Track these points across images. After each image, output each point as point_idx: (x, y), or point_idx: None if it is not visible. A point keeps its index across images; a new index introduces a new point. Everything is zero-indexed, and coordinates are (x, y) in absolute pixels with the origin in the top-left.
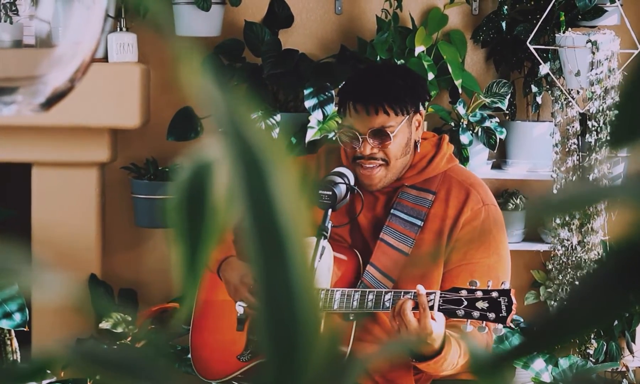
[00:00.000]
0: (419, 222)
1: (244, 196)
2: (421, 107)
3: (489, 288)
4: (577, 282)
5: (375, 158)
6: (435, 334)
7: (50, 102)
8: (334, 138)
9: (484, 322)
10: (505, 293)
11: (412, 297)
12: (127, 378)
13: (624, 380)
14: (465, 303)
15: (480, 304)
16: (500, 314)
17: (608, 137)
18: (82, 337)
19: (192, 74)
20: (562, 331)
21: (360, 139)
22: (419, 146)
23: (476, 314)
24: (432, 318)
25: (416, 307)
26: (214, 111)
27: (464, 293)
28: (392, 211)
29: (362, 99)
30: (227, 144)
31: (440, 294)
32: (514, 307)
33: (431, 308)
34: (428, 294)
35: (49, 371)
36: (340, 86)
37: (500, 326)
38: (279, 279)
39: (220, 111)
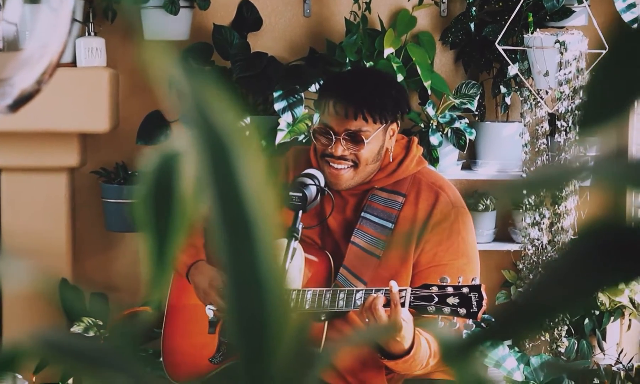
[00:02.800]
0: (389, 225)
1: (211, 184)
2: (397, 119)
3: (460, 284)
4: (543, 268)
5: (346, 159)
6: (405, 332)
7: (18, 104)
8: (309, 131)
9: (455, 317)
10: (475, 288)
11: (383, 293)
12: (95, 368)
13: (595, 378)
14: (436, 299)
15: (451, 300)
16: (471, 310)
17: (577, 122)
18: None
19: (160, 64)
20: (529, 316)
21: (334, 139)
22: (391, 154)
23: (447, 310)
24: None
25: (387, 304)
26: (181, 97)
27: (434, 289)
28: (362, 213)
29: (344, 101)
30: (194, 131)
31: (412, 290)
32: (484, 302)
33: (402, 304)
34: (399, 291)
35: (19, 376)
36: (322, 82)
37: (471, 321)
38: (247, 268)
39: (187, 97)
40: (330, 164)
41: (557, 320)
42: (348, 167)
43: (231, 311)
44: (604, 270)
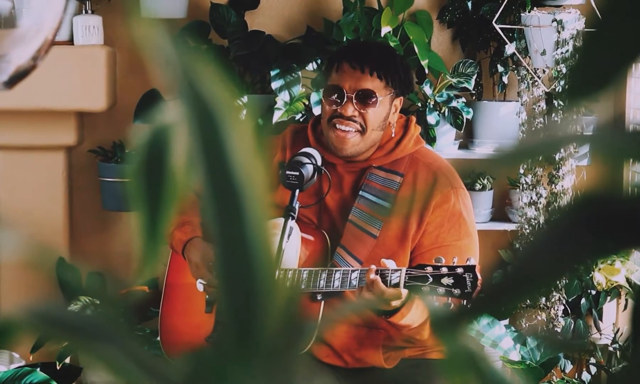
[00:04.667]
0: (386, 204)
1: (200, 157)
2: (402, 94)
3: (454, 264)
4: (533, 238)
5: (354, 121)
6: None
7: (14, 80)
8: (307, 108)
9: (449, 298)
10: (470, 268)
11: (379, 273)
12: (87, 340)
13: (592, 358)
14: (431, 279)
15: (445, 281)
16: (466, 290)
17: (566, 93)
18: None
19: (151, 39)
20: (519, 287)
21: (345, 98)
22: (393, 129)
23: (441, 290)
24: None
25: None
26: (169, 67)
27: (429, 269)
28: (360, 192)
29: (359, 59)
30: (184, 104)
31: (406, 271)
32: (479, 283)
33: (397, 284)
34: (394, 271)
35: (16, 355)
36: (333, 53)
37: (465, 302)
38: (236, 240)
39: (176, 68)
40: (337, 126)
41: (547, 293)
42: (355, 131)
43: (220, 283)
44: (591, 242)
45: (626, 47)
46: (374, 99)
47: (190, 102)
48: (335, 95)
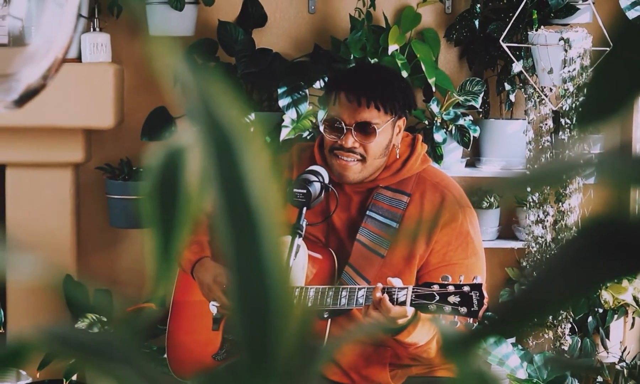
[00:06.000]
0: (394, 224)
1: (216, 179)
2: (405, 114)
3: (461, 283)
4: (543, 264)
5: (355, 152)
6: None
7: (24, 99)
8: (314, 127)
9: (456, 316)
10: (476, 287)
11: (385, 292)
12: (99, 360)
13: (599, 377)
14: (438, 297)
15: (452, 299)
16: (472, 309)
17: (576, 119)
18: None
19: (166, 60)
20: (529, 311)
21: (345, 130)
22: (397, 150)
23: (448, 308)
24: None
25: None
26: (186, 92)
27: (436, 287)
28: (367, 212)
29: (356, 90)
30: (199, 126)
31: (413, 289)
32: (485, 301)
33: (404, 302)
34: (401, 289)
35: (23, 372)
36: (329, 77)
37: (471, 320)
38: (251, 263)
39: (192, 92)
40: (339, 156)
41: (557, 315)
42: (356, 161)
43: (235, 306)
44: (602, 266)
45: (636, 73)
46: (373, 130)
47: (205, 123)
48: (335, 127)
